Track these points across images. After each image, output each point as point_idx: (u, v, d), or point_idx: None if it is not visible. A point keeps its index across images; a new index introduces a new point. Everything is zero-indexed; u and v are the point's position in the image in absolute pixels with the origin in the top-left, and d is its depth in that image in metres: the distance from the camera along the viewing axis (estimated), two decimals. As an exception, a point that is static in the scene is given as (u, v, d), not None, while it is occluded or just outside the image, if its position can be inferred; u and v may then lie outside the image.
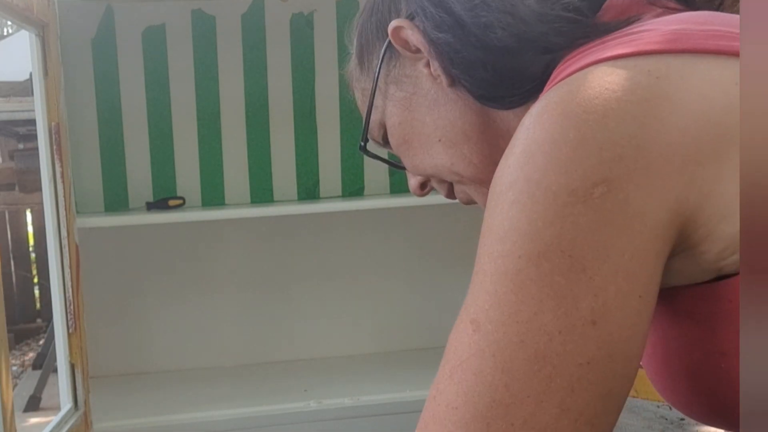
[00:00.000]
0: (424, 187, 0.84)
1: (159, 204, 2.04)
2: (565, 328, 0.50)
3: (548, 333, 0.50)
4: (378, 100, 0.78)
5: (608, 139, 0.51)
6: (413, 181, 0.84)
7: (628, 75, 0.54)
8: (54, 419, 1.63)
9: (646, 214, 0.50)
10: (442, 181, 0.80)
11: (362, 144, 0.81)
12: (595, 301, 0.50)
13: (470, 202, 0.82)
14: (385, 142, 0.81)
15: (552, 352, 0.50)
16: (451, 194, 0.82)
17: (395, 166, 0.84)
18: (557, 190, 0.51)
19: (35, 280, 4.01)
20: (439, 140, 0.75)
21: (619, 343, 0.50)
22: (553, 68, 0.65)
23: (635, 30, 0.59)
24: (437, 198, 2.09)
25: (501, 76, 0.68)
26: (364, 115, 0.79)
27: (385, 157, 0.85)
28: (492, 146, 0.73)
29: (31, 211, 3.85)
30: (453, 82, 0.71)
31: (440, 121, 0.74)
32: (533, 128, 0.54)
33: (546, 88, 0.63)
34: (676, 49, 0.55)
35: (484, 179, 0.75)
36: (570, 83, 0.55)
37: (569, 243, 0.50)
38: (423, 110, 0.75)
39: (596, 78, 0.54)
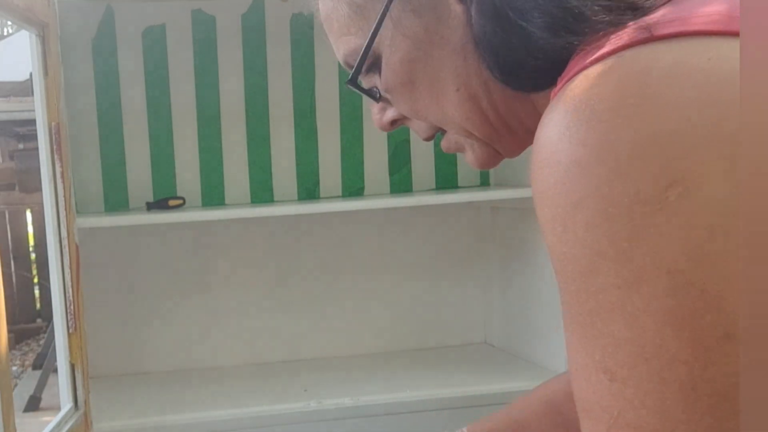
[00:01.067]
0: (394, 124, 0.76)
1: (159, 204, 2.04)
2: (699, 351, 0.44)
3: (684, 361, 0.44)
4: (386, 28, 0.66)
5: (670, 133, 0.45)
6: (387, 116, 0.75)
7: (679, 59, 0.48)
8: (54, 419, 1.63)
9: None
10: (433, 127, 0.73)
11: (354, 76, 0.69)
12: (717, 315, 0.44)
13: (455, 151, 0.75)
14: (370, 69, 0.70)
15: (698, 379, 0.44)
16: (430, 137, 0.75)
17: (373, 97, 0.73)
18: (630, 202, 0.45)
19: (35, 280, 4.01)
20: (458, 90, 0.66)
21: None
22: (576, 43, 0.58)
23: (670, 10, 0.53)
24: (437, 198, 2.10)
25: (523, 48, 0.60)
26: (362, 38, 0.68)
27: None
28: (510, 107, 0.67)
29: (31, 211, 3.85)
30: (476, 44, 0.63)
31: (463, 69, 0.65)
32: (578, 130, 0.48)
33: (573, 69, 0.55)
34: (724, 31, 0.49)
35: (493, 138, 0.70)
36: (613, 71, 0.49)
37: (662, 258, 0.45)
38: (444, 53, 0.66)
39: (644, 64, 0.48)
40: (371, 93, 0.72)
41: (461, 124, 0.68)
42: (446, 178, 2.29)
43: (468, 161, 0.74)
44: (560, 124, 0.49)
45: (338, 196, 2.23)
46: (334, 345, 2.27)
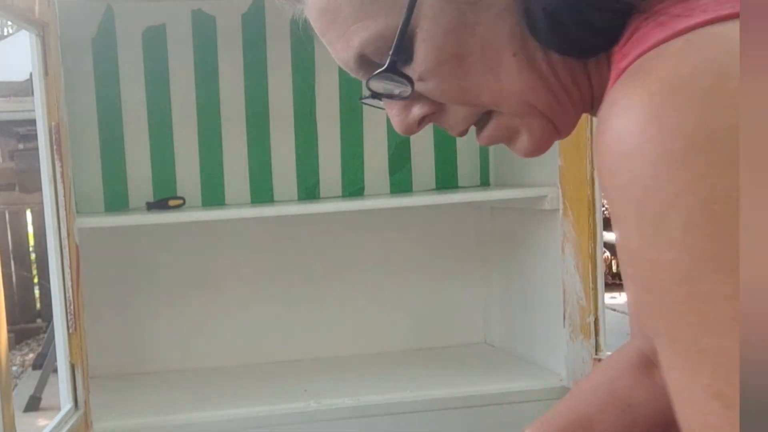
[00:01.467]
0: (422, 123, 0.65)
1: (159, 204, 2.04)
2: None
3: None
4: None
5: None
6: (413, 114, 0.64)
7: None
8: (54, 419, 1.63)
9: None
10: (476, 114, 0.63)
11: (394, 60, 0.59)
12: None
13: (502, 141, 0.65)
14: (400, 57, 0.60)
15: None
16: (464, 131, 0.64)
17: (403, 92, 0.62)
18: (737, 197, 0.39)
19: (35, 280, 4.01)
20: (515, 54, 0.58)
21: None
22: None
23: None
24: (437, 198, 2.10)
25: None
26: (392, 18, 0.58)
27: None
28: (569, 75, 0.60)
29: (31, 211, 3.85)
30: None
31: (518, 31, 0.57)
32: (670, 117, 0.42)
33: (643, 40, 0.50)
34: None
35: (555, 110, 0.61)
36: (707, 48, 0.43)
37: None
38: (493, 16, 0.58)
39: (729, 41, 0.43)
40: (402, 82, 0.61)
41: (522, 96, 0.60)
42: (446, 178, 2.29)
43: (518, 149, 0.64)
44: (645, 109, 0.43)
45: (338, 196, 2.23)
46: (334, 345, 2.27)
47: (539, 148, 0.64)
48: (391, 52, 0.59)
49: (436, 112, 0.64)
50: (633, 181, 0.43)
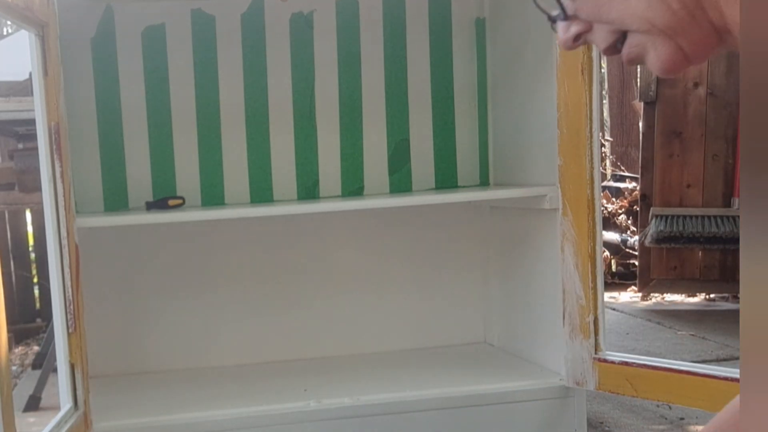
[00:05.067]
0: (577, 40, 0.77)
1: (159, 204, 2.04)
2: None
3: None
4: None
5: None
6: (571, 31, 0.77)
7: None
8: (54, 419, 1.63)
9: None
10: (614, 31, 0.74)
11: (562, 5, 0.74)
12: None
13: (638, 59, 0.75)
14: None
15: None
16: (611, 49, 0.76)
17: (549, 16, 0.78)
18: None
19: (35, 279, 4.01)
20: None
21: None
22: None
23: None
24: (437, 198, 2.10)
25: None
26: None
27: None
28: None
29: (31, 211, 3.84)
30: None
31: None
32: None
33: None
34: None
35: (677, 30, 0.71)
36: None
37: None
38: None
39: None
40: (560, 4, 0.75)
41: (644, 14, 0.70)
42: (446, 178, 2.29)
43: (651, 67, 0.74)
44: None
45: (338, 196, 2.23)
46: (334, 345, 2.27)
47: (667, 68, 0.73)
48: None
49: (587, 31, 0.76)
50: None
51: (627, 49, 0.74)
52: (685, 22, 0.70)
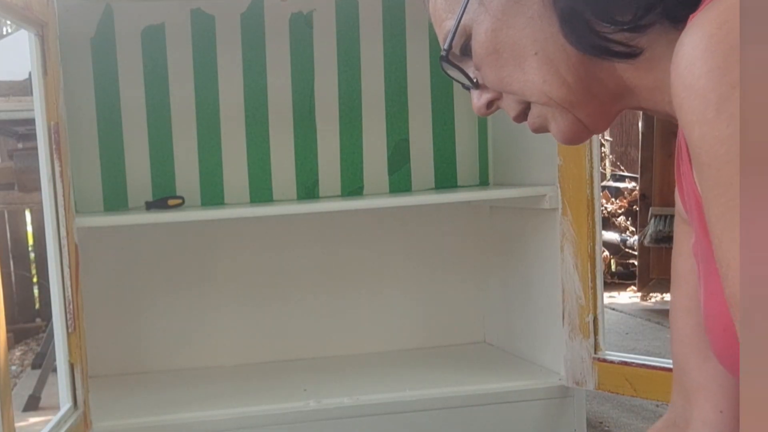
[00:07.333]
0: (490, 107, 0.79)
1: (158, 203, 2.04)
2: None
3: None
4: (472, 5, 0.74)
5: None
6: (482, 99, 0.79)
7: None
8: (53, 419, 1.63)
9: None
10: (519, 101, 0.76)
11: (445, 53, 0.76)
12: None
13: (542, 129, 0.78)
14: (464, 52, 0.76)
15: None
16: (521, 116, 0.78)
17: (463, 84, 0.80)
18: None
19: (34, 279, 4.01)
20: (536, 53, 0.72)
21: None
22: None
23: None
24: (436, 198, 2.10)
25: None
26: (454, 20, 0.75)
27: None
28: (589, 72, 0.72)
29: (31, 211, 3.84)
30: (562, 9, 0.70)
31: (540, 34, 0.71)
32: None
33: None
34: None
35: (573, 104, 0.73)
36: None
37: None
38: (522, 20, 0.72)
39: None
40: (468, 76, 0.78)
41: (540, 88, 0.72)
42: (445, 178, 2.29)
43: (554, 136, 0.76)
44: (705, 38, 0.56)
45: (337, 196, 2.23)
46: (333, 344, 2.27)
47: (568, 137, 0.76)
48: (444, 46, 0.75)
49: (498, 98, 0.78)
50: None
51: (530, 119, 0.77)
52: (580, 95, 0.72)
